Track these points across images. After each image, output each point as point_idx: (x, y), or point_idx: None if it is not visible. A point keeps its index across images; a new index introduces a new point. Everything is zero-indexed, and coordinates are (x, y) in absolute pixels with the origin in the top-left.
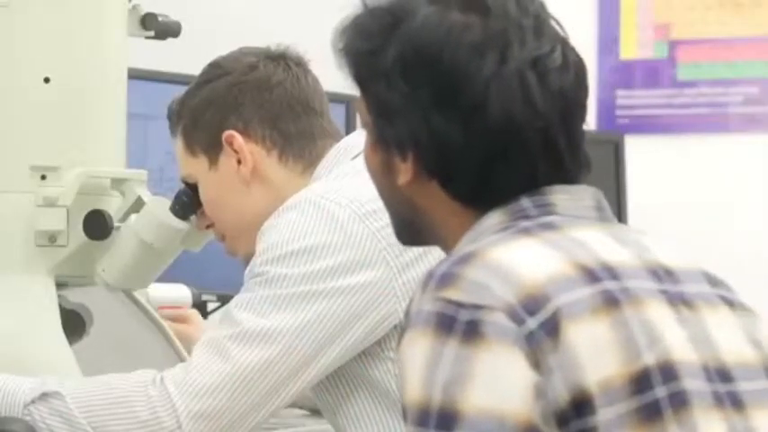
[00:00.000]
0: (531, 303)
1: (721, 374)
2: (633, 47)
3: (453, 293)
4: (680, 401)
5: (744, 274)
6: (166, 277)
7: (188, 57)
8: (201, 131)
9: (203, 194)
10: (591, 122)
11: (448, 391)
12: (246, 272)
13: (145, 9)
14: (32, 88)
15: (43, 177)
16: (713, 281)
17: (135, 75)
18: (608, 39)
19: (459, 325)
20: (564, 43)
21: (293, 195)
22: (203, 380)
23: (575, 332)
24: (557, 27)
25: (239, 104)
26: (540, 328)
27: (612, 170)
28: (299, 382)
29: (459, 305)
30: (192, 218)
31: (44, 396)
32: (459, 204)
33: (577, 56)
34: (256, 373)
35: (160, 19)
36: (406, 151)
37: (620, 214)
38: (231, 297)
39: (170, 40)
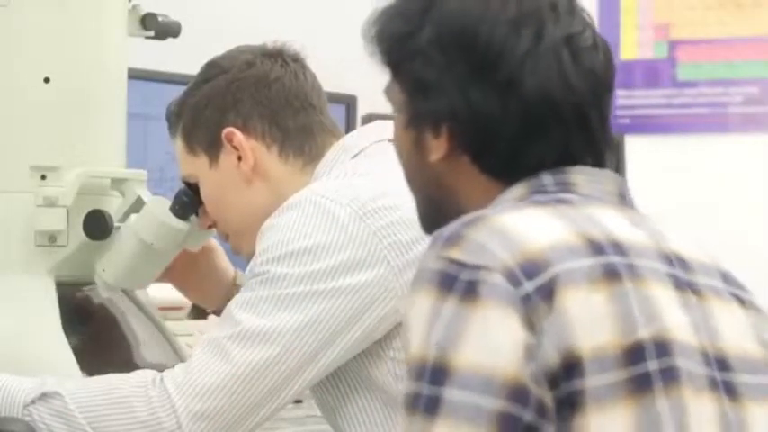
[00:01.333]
0: (531, 267)
1: (720, 363)
2: (633, 47)
3: (456, 253)
4: (671, 377)
5: (744, 273)
6: None
7: (188, 57)
8: (201, 130)
9: (205, 193)
10: None
11: (441, 348)
12: (247, 271)
13: (145, 9)
14: (32, 88)
15: (43, 177)
16: (728, 279)
17: (135, 75)
18: (608, 39)
19: (460, 284)
20: (592, 26)
21: (294, 193)
22: (203, 380)
23: (571, 299)
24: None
25: (238, 101)
26: (536, 292)
27: (612, 170)
28: (299, 381)
29: (461, 265)
30: (193, 218)
31: (44, 396)
32: (487, 179)
33: (603, 40)
34: (256, 373)
35: (160, 19)
36: (440, 126)
37: None
38: None
39: (170, 40)
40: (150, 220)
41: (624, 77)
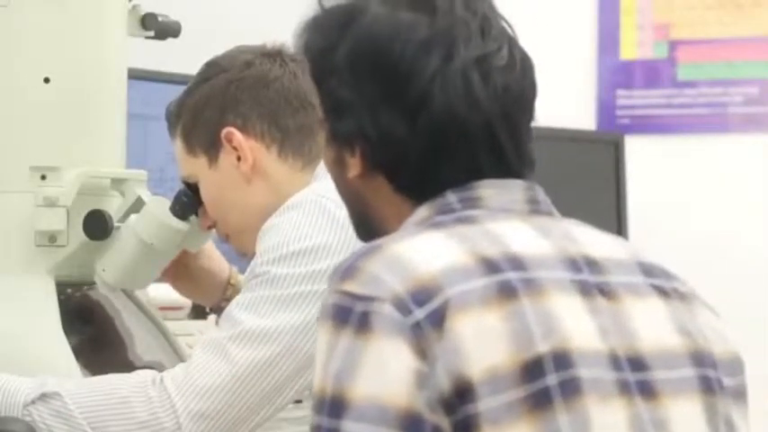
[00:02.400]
0: (422, 294)
1: (634, 363)
2: (633, 47)
3: (351, 286)
4: (572, 389)
5: (744, 273)
6: None
7: (188, 57)
8: (200, 130)
9: (205, 194)
10: (591, 122)
11: (338, 381)
12: (247, 272)
13: (145, 9)
14: (32, 88)
15: (43, 177)
16: (650, 271)
17: (135, 75)
18: (608, 39)
19: (354, 316)
20: (511, 42)
21: (294, 192)
22: (203, 380)
23: (461, 322)
24: (506, 27)
25: (237, 101)
26: (426, 319)
27: (612, 170)
28: (299, 381)
29: (356, 297)
30: (193, 218)
31: (44, 396)
32: (403, 198)
33: (525, 54)
34: (257, 374)
35: (160, 19)
36: (354, 145)
37: (620, 214)
38: None
39: (170, 40)
40: (150, 220)
41: (624, 77)
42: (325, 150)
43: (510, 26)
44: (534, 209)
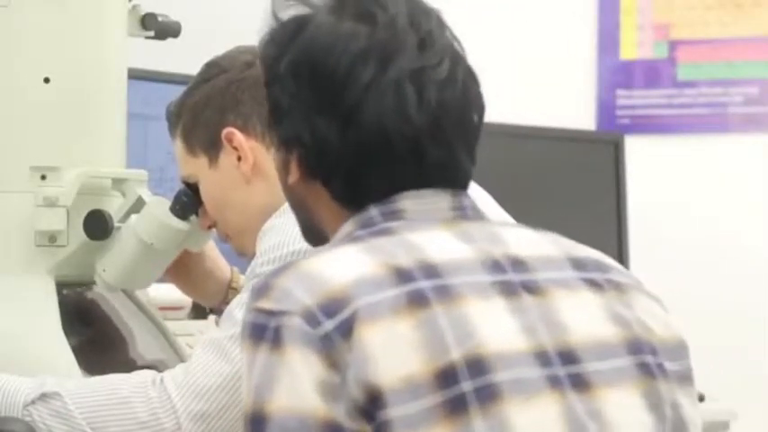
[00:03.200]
0: (332, 306)
1: (565, 357)
2: (633, 47)
3: (265, 303)
4: (488, 395)
5: (744, 273)
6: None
7: (188, 57)
8: (201, 130)
9: (205, 194)
10: (591, 122)
11: (258, 396)
12: (248, 272)
13: (145, 9)
14: (32, 88)
15: (43, 177)
16: (581, 265)
17: (135, 75)
18: (608, 39)
19: (269, 333)
20: (456, 59)
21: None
22: (204, 381)
23: (370, 332)
24: (455, 43)
25: (238, 102)
26: (335, 330)
27: (612, 170)
28: None
29: (270, 313)
30: (193, 218)
31: (43, 396)
32: (338, 205)
33: (469, 73)
34: None
35: (160, 19)
36: (291, 151)
37: (620, 214)
38: None
39: (170, 40)
40: (150, 220)
41: (624, 77)
42: (274, 156)
43: (459, 43)
44: (460, 215)
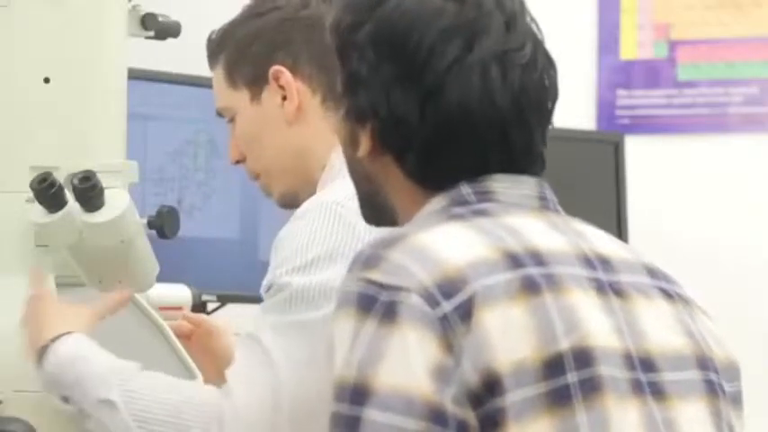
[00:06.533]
0: (449, 287)
1: (645, 364)
2: (633, 47)
3: (375, 275)
4: (591, 387)
5: (744, 274)
6: (166, 277)
7: (188, 57)
8: (247, 64)
9: (240, 128)
10: (591, 122)
11: (362, 369)
12: (266, 281)
13: (145, 9)
14: (32, 88)
15: None
16: (654, 273)
17: (135, 75)
18: (608, 39)
19: (379, 305)
20: (537, 44)
21: (319, 153)
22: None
23: (488, 315)
24: (534, 28)
25: (290, 41)
26: (454, 312)
27: (612, 170)
28: None
29: (381, 286)
30: (71, 206)
31: (109, 403)
32: (411, 182)
33: (548, 59)
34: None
35: (160, 19)
36: (365, 122)
37: (620, 214)
38: (231, 297)
39: (170, 40)
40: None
41: (624, 77)
42: (340, 127)
43: (538, 27)
44: (544, 205)
